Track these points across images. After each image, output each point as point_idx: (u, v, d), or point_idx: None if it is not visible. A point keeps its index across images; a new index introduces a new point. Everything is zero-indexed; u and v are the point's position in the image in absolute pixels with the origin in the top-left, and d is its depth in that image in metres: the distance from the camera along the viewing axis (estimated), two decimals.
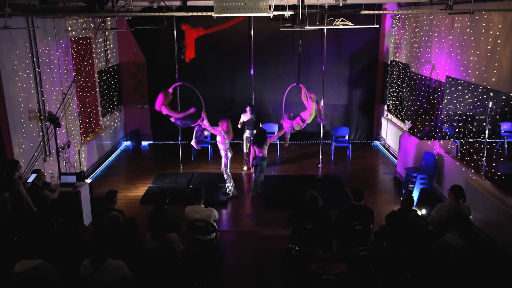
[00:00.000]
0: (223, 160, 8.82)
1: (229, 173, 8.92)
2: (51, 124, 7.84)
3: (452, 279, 4.83)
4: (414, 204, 6.87)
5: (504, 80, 6.53)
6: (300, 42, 9.77)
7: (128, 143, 12.45)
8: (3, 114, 6.99)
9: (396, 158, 10.59)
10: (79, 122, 9.66)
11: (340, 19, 7.65)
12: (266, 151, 8.79)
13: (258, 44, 11.36)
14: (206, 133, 9.17)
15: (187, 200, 8.18)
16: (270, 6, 5.30)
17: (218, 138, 8.71)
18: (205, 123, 8.56)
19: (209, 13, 5.90)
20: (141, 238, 5.68)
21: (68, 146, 8.87)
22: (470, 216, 6.30)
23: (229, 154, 8.79)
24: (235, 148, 11.06)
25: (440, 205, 6.24)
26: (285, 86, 11.16)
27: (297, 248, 6.10)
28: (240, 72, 11.73)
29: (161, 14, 6.62)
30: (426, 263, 5.07)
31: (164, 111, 8.53)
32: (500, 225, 6.51)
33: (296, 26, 7.06)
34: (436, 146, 8.74)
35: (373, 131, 12.50)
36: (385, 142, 12.00)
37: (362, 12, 6.85)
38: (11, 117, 7.16)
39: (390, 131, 11.65)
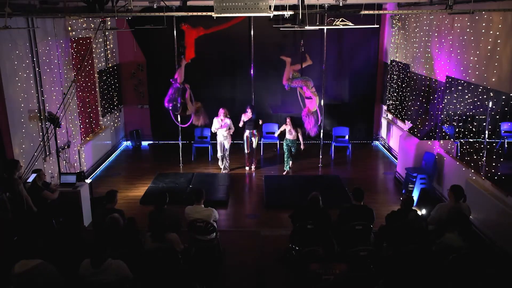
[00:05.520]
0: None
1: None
2: (51, 124, 7.83)
3: (452, 279, 4.83)
4: (414, 204, 6.87)
5: (504, 80, 6.53)
6: (301, 42, 9.80)
7: (128, 143, 12.45)
8: (3, 114, 6.99)
9: (396, 158, 10.60)
10: (79, 122, 9.66)
11: (340, 19, 7.64)
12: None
13: (258, 44, 11.36)
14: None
15: (187, 200, 8.23)
16: (270, 6, 5.30)
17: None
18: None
19: (209, 13, 5.89)
20: (141, 238, 5.68)
21: (68, 146, 8.87)
22: (470, 216, 6.30)
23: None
24: (236, 148, 11.11)
25: (440, 205, 6.24)
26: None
27: (297, 248, 6.10)
28: (240, 72, 11.74)
29: (161, 14, 6.62)
30: (426, 263, 5.07)
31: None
32: (500, 225, 6.51)
33: (296, 26, 7.06)
34: (436, 146, 8.74)
35: (373, 131, 12.51)
36: (385, 142, 12.00)
37: (362, 12, 6.84)
38: (11, 117, 7.16)
39: (390, 131, 11.64)
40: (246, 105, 10.20)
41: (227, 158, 10.26)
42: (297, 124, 9.90)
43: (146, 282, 4.84)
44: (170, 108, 9.48)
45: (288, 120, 9.87)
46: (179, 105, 9.42)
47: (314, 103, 9.63)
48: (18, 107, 7.40)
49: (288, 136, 9.96)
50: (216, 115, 9.98)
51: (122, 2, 6.97)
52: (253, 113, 10.03)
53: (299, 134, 9.89)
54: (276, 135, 10.79)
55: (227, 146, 10.10)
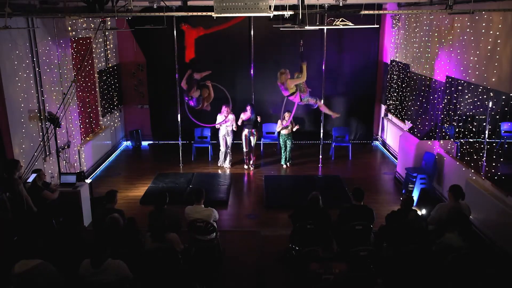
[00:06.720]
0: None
1: None
2: (51, 124, 7.84)
3: (452, 279, 4.83)
4: (414, 204, 6.87)
5: (504, 80, 6.53)
6: (301, 42, 9.83)
7: (128, 143, 12.45)
8: (3, 114, 6.99)
9: (396, 158, 10.60)
10: (79, 122, 9.66)
11: (340, 19, 7.64)
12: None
13: (258, 44, 11.36)
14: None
15: (187, 200, 8.23)
16: (270, 6, 5.30)
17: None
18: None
19: (209, 13, 5.90)
20: (141, 238, 5.68)
21: (68, 146, 8.87)
22: (470, 216, 6.30)
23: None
24: (235, 148, 11.14)
25: (440, 205, 6.24)
26: None
27: (297, 248, 6.10)
28: (240, 72, 11.74)
29: (161, 14, 6.62)
30: (426, 263, 5.07)
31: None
32: (500, 225, 6.51)
33: (296, 26, 7.06)
34: (436, 146, 8.74)
35: (373, 131, 12.51)
36: (385, 142, 12.00)
37: (362, 12, 6.84)
38: (11, 117, 7.16)
39: (390, 131, 11.65)
40: (246, 104, 10.22)
41: (230, 153, 10.42)
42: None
43: (146, 282, 4.84)
44: (193, 105, 9.58)
45: (287, 114, 10.13)
46: (200, 101, 9.66)
47: (287, 93, 9.67)
48: (18, 107, 7.39)
49: (283, 131, 10.28)
50: (218, 113, 10.11)
51: (122, 2, 6.96)
52: (253, 112, 10.06)
53: (293, 125, 10.31)
54: (277, 130, 10.70)
55: (229, 142, 10.24)
